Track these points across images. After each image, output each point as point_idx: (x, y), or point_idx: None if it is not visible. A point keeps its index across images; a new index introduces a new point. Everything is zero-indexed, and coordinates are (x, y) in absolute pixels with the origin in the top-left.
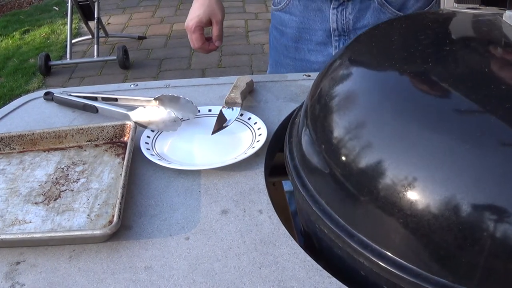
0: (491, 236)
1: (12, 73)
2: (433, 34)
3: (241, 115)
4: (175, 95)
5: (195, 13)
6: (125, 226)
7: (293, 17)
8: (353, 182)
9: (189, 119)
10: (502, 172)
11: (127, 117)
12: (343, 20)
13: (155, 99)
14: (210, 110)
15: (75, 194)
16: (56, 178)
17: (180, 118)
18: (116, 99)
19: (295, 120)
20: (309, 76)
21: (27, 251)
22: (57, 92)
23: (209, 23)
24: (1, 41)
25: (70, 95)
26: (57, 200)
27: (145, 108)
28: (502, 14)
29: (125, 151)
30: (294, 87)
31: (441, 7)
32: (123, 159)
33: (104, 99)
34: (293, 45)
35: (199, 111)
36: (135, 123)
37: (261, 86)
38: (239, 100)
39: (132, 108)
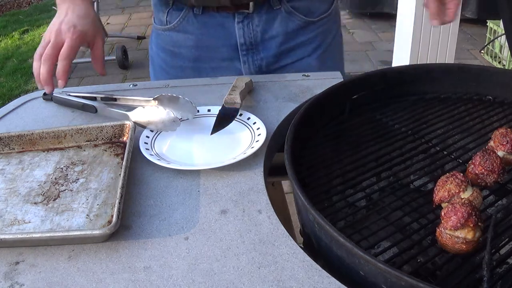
0: None
1: (11, 73)
2: None
3: (240, 115)
4: (174, 95)
5: (70, 21)
6: (124, 226)
7: (189, 35)
8: None
9: (188, 119)
10: None
11: (126, 117)
12: (251, 33)
13: (154, 99)
14: (209, 110)
15: (74, 194)
16: (55, 178)
17: (179, 118)
18: (115, 99)
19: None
20: (308, 76)
21: (26, 251)
22: (56, 92)
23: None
24: (0, 41)
25: (69, 95)
26: (56, 200)
27: (144, 108)
28: None
29: (124, 151)
30: (293, 87)
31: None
32: (122, 159)
33: (103, 99)
34: (191, 65)
35: (198, 111)
36: (134, 123)
37: (260, 86)
38: (238, 100)
39: (131, 108)
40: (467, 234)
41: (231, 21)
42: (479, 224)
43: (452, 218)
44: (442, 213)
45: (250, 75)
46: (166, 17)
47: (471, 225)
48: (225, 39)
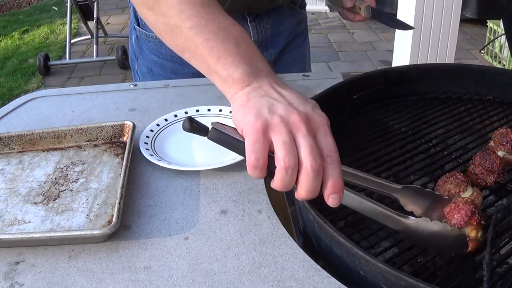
0: None
1: (11, 73)
2: None
3: None
4: None
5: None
6: (124, 226)
7: None
8: None
9: None
10: None
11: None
12: (262, 30)
13: None
14: (209, 110)
15: (74, 194)
16: (55, 178)
17: None
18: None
19: None
20: (308, 76)
21: (26, 251)
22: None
23: None
24: (0, 41)
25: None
26: (56, 200)
27: None
28: None
29: (124, 151)
30: (293, 87)
31: None
32: (122, 159)
33: None
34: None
35: (197, 110)
36: None
37: None
38: None
39: None
40: (470, 232)
41: (243, 20)
42: (482, 222)
43: (455, 216)
44: (445, 212)
45: None
46: None
47: (475, 223)
48: None
